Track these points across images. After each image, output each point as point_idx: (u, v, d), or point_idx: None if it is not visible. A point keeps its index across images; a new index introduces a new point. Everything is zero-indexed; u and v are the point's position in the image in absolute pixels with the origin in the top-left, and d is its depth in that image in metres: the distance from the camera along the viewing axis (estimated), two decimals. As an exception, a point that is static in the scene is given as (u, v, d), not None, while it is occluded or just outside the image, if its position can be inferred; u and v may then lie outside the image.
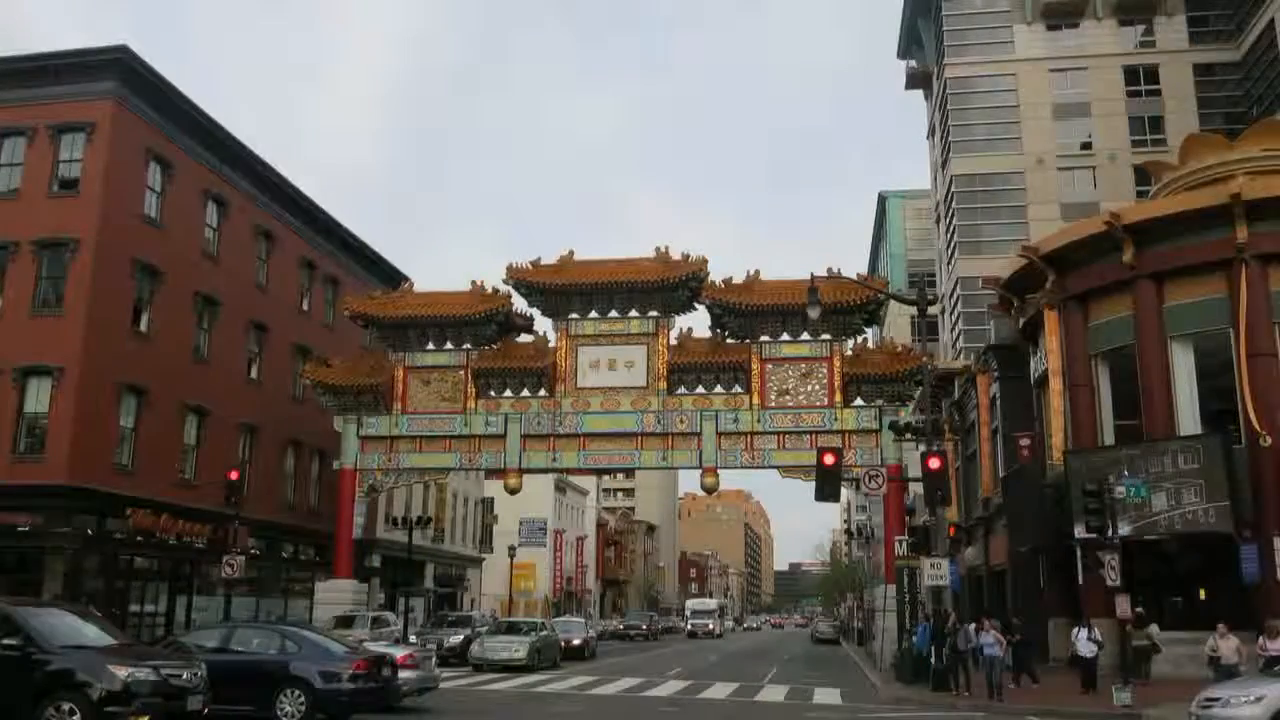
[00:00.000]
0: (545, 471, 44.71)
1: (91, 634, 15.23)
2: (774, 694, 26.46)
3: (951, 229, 60.97)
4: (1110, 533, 22.25)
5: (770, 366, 37.31)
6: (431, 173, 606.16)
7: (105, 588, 31.25)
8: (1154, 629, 27.01)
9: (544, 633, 35.28)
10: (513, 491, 39.27)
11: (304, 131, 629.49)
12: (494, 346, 39.15)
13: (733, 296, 37.06)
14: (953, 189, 59.77)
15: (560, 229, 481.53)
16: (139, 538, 32.36)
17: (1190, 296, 29.36)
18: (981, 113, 59.68)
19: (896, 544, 32.12)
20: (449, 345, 39.37)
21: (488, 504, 65.07)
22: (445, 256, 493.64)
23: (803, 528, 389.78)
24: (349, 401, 39.03)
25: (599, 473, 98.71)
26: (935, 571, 25.16)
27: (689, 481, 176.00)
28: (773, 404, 36.99)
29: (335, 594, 37.42)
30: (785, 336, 37.45)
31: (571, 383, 38.19)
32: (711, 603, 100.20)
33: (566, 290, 38.11)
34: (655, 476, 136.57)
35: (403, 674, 19.21)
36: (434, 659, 23.63)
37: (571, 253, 38.87)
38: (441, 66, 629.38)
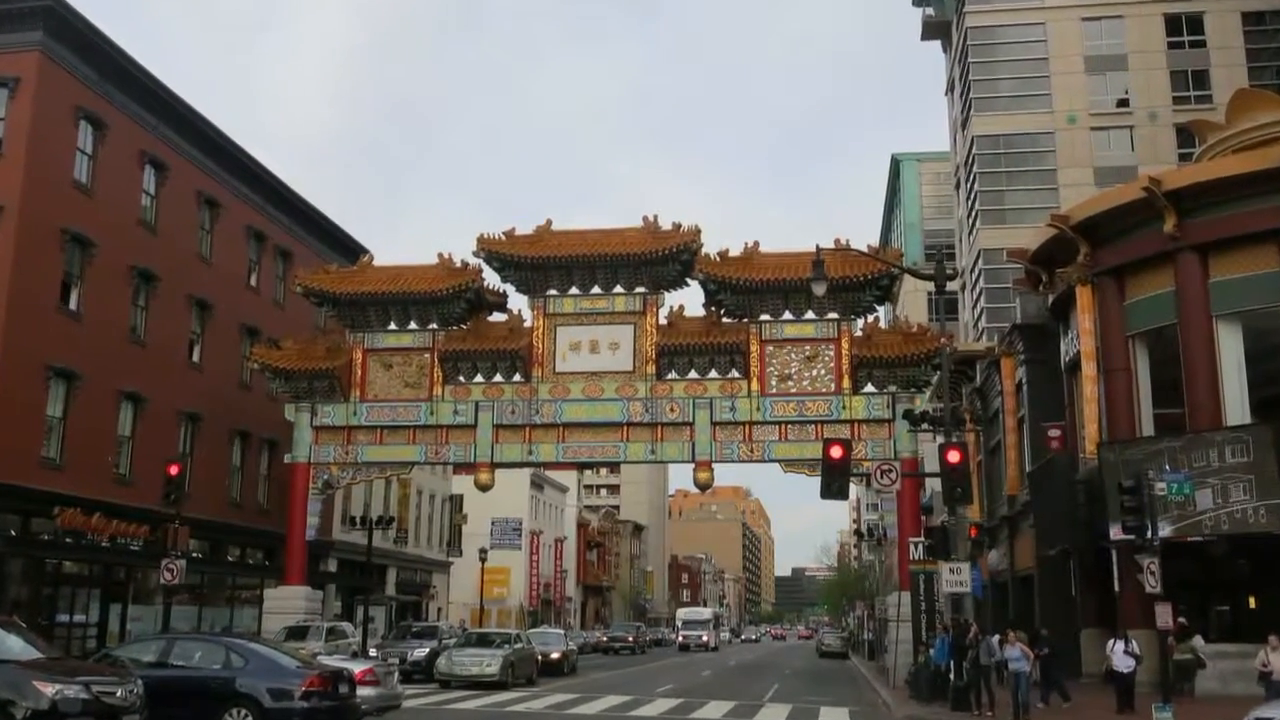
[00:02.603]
0: (520, 466, 44.57)
1: (15, 647, 15.18)
2: (775, 714, 26.57)
3: (973, 195, 61.01)
4: (1149, 534, 22.27)
5: (771, 349, 37.24)
6: (407, 148, 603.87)
7: (30, 595, 31.11)
8: (1198, 641, 27.10)
9: (519, 645, 35.26)
10: (484, 488, 39.14)
11: (264, 105, 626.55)
12: (463, 326, 39.01)
13: (729, 271, 36.93)
14: (974, 151, 59.76)
15: (544, 206, 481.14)
16: (68, 539, 32.15)
17: (1239, 270, 29.39)
18: (1006, 66, 59.71)
19: (911, 546, 32.10)
20: (413, 325, 39.24)
21: (456, 502, 65.09)
22: (418, 235, 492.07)
23: (807, 528, 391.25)
24: (302, 388, 38.88)
25: (580, 467, 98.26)
26: (955, 577, 25.20)
27: (680, 477, 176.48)
28: (774, 390, 36.93)
29: (286, 602, 37.32)
30: (788, 315, 37.33)
31: (549, 367, 38.07)
32: (705, 612, 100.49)
33: (544, 264, 37.96)
34: (643, 472, 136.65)
35: (361, 691, 19.24)
36: (396, 674, 23.68)
37: (549, 222, 38.71)
38: (417, 32, 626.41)
